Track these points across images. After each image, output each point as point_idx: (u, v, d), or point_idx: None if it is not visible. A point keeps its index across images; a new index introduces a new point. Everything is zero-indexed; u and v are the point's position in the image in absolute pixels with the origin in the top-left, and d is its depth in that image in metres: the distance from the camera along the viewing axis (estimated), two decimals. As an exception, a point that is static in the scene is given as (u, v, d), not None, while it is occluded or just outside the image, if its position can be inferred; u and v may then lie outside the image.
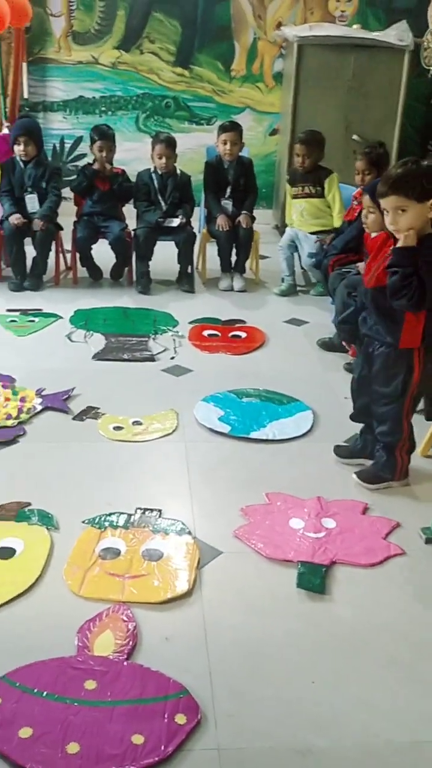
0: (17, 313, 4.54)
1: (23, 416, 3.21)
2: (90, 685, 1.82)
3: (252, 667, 1.92)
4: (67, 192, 5.26)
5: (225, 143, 5.05)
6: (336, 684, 1.88)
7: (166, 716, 1.74)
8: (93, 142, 5.03)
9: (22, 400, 3.35)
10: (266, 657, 1.95)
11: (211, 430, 3.17)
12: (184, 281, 5.09)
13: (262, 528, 2.49)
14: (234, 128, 5.08)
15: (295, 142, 5.09)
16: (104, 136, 5.00)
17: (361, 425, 2.93)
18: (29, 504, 2.58)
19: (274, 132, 6.77)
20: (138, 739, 1.68)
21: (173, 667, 1.89)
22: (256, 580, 2.26)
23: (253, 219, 5.13)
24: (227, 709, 1.79)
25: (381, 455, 2.78)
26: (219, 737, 1.71)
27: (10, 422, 3.15)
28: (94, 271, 5.22)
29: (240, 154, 5.16)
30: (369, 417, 2.83)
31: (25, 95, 6.69)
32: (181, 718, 1.74)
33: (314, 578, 2.24)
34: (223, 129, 5.09)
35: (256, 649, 1.98)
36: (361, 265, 3.81)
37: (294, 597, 2.19)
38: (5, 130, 6.13)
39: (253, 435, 3.13)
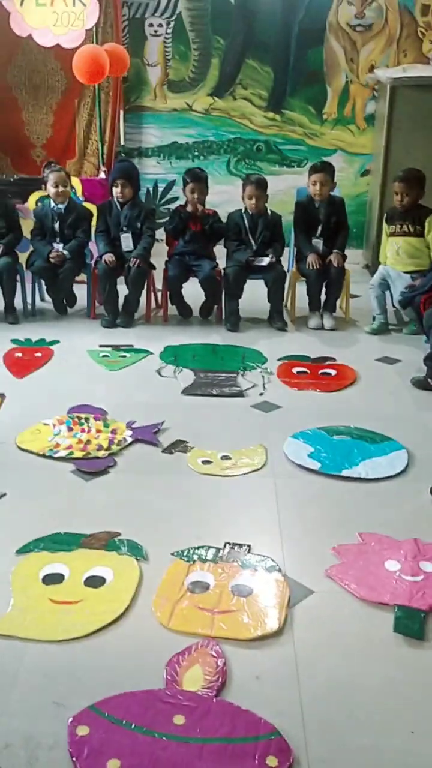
0: (109, 349, 4.64)
1: (114, 448, 3.25)
2: (179, 720, 1.78)
3: (347, 713, 1.83)
4: (158, 233, 5.39)
5: (315, 183, 5.07)
6: (437, 737, 1.76)
7: (257, 758, 1.67)
8: (186, 184, 5.15)
9: (113, 432, 3.39)
10: (362, 703, 1.86)
11: (301, 466, 3.11)
12: (276, 319, 5.09)
13: (355, 568, 2.40)
14: (325, 169, 5.10)
15: (393, 180, 5.04)
16: (197, 179, 5.12)
17: None
18: (119, 534, 2.59)
19: (365, 173, 6.76)
20: (228, 779, 1.62)
21: (264, 708, 1.82)
22: (350, 622, 2.17)
23: (344, 258, 5.10)
24: (321, 754, 1.70)
25: None
26: (312, 784, 1.63)
27: (101, 453, 3.19)
28: (184, 309, 5.30)
29: (331, 193, 5.17)
30: None
31: (122, 142, 6.95)
32: (272, 761, 1.67)
33: (412, 623, 2.13)
34: (314, 169, 5.12)
35: (352, 694, 1.89)
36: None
37: (391, 642, 2.09)
38: (102, 175, 6.38)
39: (345, 473, 3.05)
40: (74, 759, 1.66)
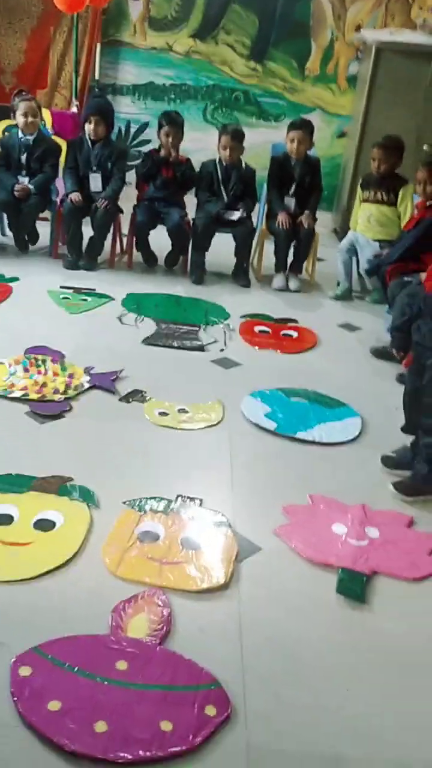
0: (71, 291, 4.55)
1: (70, 392, 3.21)
2: (121, 665, 1.80)
3: (287, 669, 1.88)
4: (129, 176, 5.26)
5: (293, 141, 5.00)
6: (372, 695, 1.83)
7: (196, 706, 1.71)
8: (161, 127, 5.01)
9: (71, 376, 3.35)
10: (302, 660, 1.91)
11: (257, 425, 3.13)
12: (241, 275, 5.05)
13: (303, 529, 2.44)
14: (304, 126, 5.02)
15: (372, 146, 5.00)
16: (173, 123, 4.98)
17: (412, 437, 2.86)
18: (71, 479, 2.57)
19: (342, 135, 6.69)
20: (166, 725, 1.65)
21: (206, 658, 1.86)
22: (295, 580, 2.22)
23: (315, 220, 5.06)
24: (259, 707, 1.75)
25: (422, 467, 2.71)
26: (249, 734, 1.67)
27: (57, 396, 3.15)
28: (150, 257, 5.21)
29: (308, 153, 5.10)
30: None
31: (97, 76, 6.71)
32: (211, 710, 1.71)
33: (355, 586, 2.19)
34: (293, 126, 5.03)
35: (292, 651, 1.94)
36: (423, 274, 3.73)
37: (333, 602, 2.14)
38: (74, 109, 6.16)
39: (300, 435, 3.08)
40: (15, 699, 1.67)
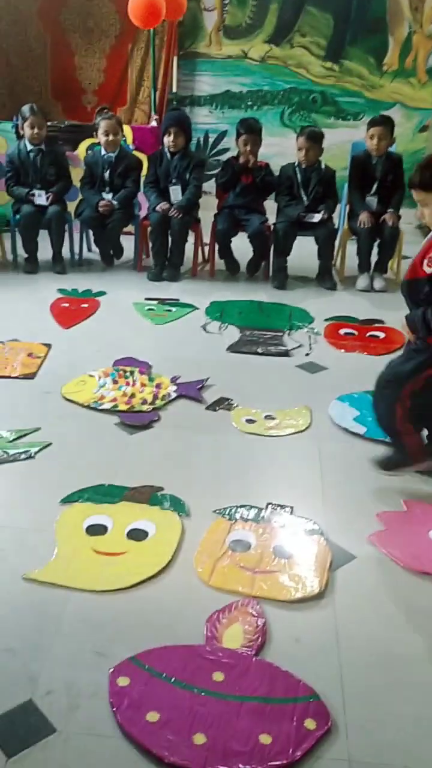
0: (155, 302, 4.61)
1: (158, 402, 3.24)
2: (218, 677, 1.79)
3: (387, 681, 1.82)
4: (208, 186, 5.30)
5: (373, 138, 4.91)
6: None
7: (295, 719, 1.68)
8: (239, 135, 5.03)
9: (158, 386, 3.38)
10: (403, 672, 1.85)
11: (346, 430, 3.07)
12: (326, 278, 5.00)
13: (399, 536, 2.37)
14: (384, 122, 4.93)
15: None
16: (251, 130, 4.99)
17: None
18: (162, 489, 2.59)
19: (424, 128, 6.53)
20: (266, 738, 1.63)
21: (303, 670, 1.82)
22: (392, 589, 2.15)
23: (399, 217, 4.95)
24: (360, 719, 1.70)
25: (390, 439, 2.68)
26: (350, 748, 1.63)
27: (145, 407, 3.19)
28: (232, 264, 5.23)
29: (389, 150, 4.99)
30: None
31: (174, 89, 6.80)
32: (310, 723, 1.67)
33: (455, 594, 2.10)
34: (373, 123, 4.95)
35: (392, 662, 1.88)
36: None
37: (433, 612, 2.07)
38: (153, 123, 6.27)
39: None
40: (114, 709, 1.69)
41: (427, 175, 2.36)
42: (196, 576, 2.17)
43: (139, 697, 1.72)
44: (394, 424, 2.61)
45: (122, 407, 3.18)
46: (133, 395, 3.28)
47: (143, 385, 3.39)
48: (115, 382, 3.40)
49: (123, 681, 1.76)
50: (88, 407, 3.19)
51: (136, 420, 3.09)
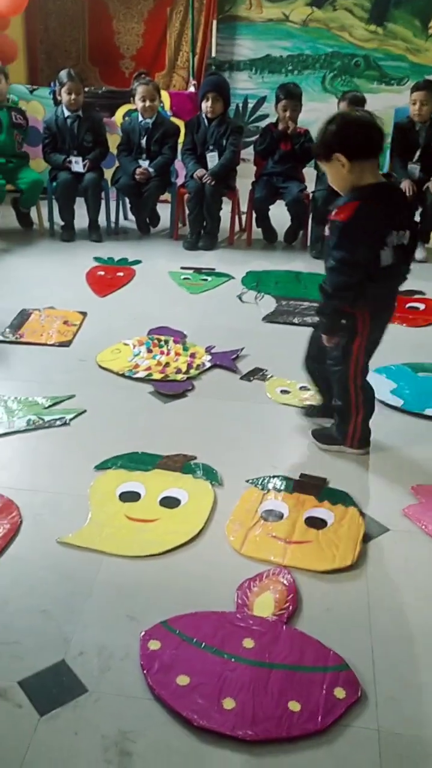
0: (191, 271, 4.58)
1: (193, 372, 3.24)
2: (248, 643, 1.80)
3: (418, 653, 1.81)
4: (246, 153, 5.22)
5: (415, 103, 4.78)
6: None
7: (324, 687, 1.68)
8: (278, 101, 4.94)
9: (192, 356, 3.37)
10: (434, 644, 1.84)
11: (383, 402, 3.03)
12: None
13: (434, 509, 2.34)
14: (428, 87, 4.80)
15: None
16: (291, 96, 4.89)
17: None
18: (195, 458, 2.60)
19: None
20: (294, 706, 1.64)
21: (333, 640, 1.82)
22: (426, 563, 2.13)
23: (441, 186, 4.83)
24: (389, 691, 1.69)
25: (336, 417, 2.68)
26: (379, 718, 1.63)
27: (179, 376, 3.19)
28: (270, 233, 5.16)
29: (433, 115, 4.86)
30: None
31: (213, 54, 6.69)
32: (340, 692, 1.67)
33: None
34: (416, 88, 4.83)
35: (423, 635, 1.86)
36: None
37: (467, 586, 2.04)
38: (191, 88, 6.18)
39: (428, 412, 2.95)
40: (145, 672, 1.71)
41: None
42: (228, 544, 2.17)
43: (169, 661, 1.74)
44: (348, 405, 2.63)
45: (156, 376, 3.18)
46: (167, 364, 3.27)
47: (177, 354, 3.38)
48: (149, 350, 3.40)
49: (154, 645, 1.78)
50: (123, 375, 3.20)
51: (170, 389, 3.09)
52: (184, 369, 3.25)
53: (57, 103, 5.23)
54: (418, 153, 4.86)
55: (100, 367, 3.28)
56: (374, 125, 2.27)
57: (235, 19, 6.63)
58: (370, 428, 2.68)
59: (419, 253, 4.82)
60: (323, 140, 2.29)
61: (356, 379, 2.58)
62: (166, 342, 3.49)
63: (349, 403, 2.61)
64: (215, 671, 1.72)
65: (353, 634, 1.85)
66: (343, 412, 2.65)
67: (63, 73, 5.01)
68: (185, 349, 3.44)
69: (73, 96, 4.96)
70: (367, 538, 2.21)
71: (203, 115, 4.97)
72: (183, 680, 1.69)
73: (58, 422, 2.79)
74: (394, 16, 6.34)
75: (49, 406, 2.91)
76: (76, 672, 1.71)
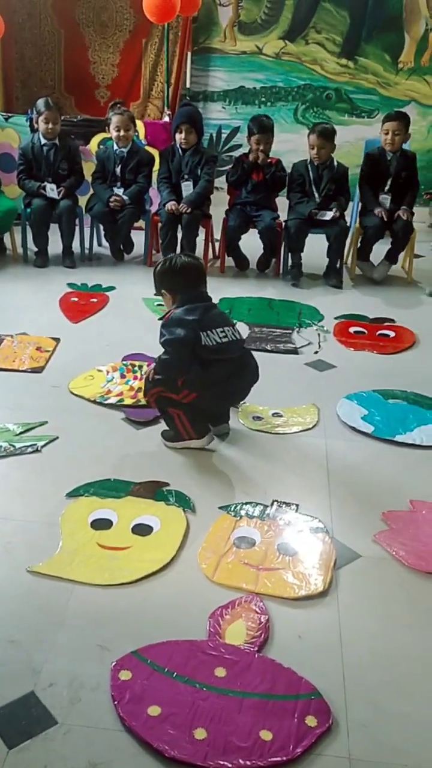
0: (165, 297, 4.60)
1: (166, 397, 3.23)
2: (220, 672, 1.79)
3: (389, 680, 1.81)
4: (219, 182, 5.29)
5: (388, 133, 4.88)
6: None
7: (296, 716, 1.68)
8: (251, 134, 5.01)
9: (166, 381, 3.37)
10: (405, 672, 1.84)
11: (354, 428, 3.06)
12: (332, 275, 4.98)
13: (404, 536, 2.36)
14: (400, 118, 4.91)
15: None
16: (263, 129, 4.97)
17: None
18: (167, 484, 2.59)
19: (438, 127, 6.49)
20: (266, 735, 1.63)
21: (305, 667, 1.82)
22: (397, 589, 2.14)
23: (412, 215, 4.93)
24: (361, 718, 1.70)
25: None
26: (351, 746, 1.63)
27: (152, 402, 3.17)
28: (241, 261, 5.22)
29: (403, 146, 4.97)
30: None
31: (188, 84, 6.79)
32: (311, 721, 1.67)
33: (460, 595, 2.09)
34: (388, 118, 4.93)
35: (395, 662, 1.87)
36: None
37: (437, 612, 2.06)
38: (166, 118, 6.26)
39: (399, 438, 2.99)
40: (116, 702, 1.69)
41: None
42: (200, 572, 2.17)
43: (140, 691, 1.72)
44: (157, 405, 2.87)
45: (128, 401, 3.18)
46: (140, 389, 3.27)
47: None
48: (123, 376, 3.40)
49: (125, 675, 1.77)
50: (95, 402, 3.19)
51: (141, 416, 3.09)
52: (157, 395, 3.24)
53: (34, 130, 5.26)
54: (389, 182, 4.96)
55: (73, 393, 3.27)
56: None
57: (210, 51, 6.75)
58: (203, 418, 2.86)
59: (378, 273, 4.93)
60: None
61: (160, 387, 2.80)
62: (140, 367, 3.49)
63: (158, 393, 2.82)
64: (187, 701, 1.71)
65: (325, 661, 1.86)
66: (158, 403, 2.85)
67: (41, 102, 5.05)
68: (157, 372, 3.43)
69: (50, 125, 5.00)
70: (338, 565, 2.22)
71: (177, 145, 5.03)
72: (154, 711, 1.68)
73: (29, 449, 2.78)
74: (365, 51, 6.50)
75: (21, 433, 2.89)
76: (45, 703, 1.69)
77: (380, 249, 5.05)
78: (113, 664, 1.80)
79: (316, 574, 2.17)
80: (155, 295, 2.91)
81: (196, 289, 2.90)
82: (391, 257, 4.97)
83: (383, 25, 6.39)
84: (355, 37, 6.48)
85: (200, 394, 2.76)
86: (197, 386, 2.75)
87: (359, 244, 5.03)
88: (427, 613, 2.06)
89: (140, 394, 3.22)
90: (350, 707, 1.72)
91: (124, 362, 3.57)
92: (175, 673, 1.78)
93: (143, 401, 3.17)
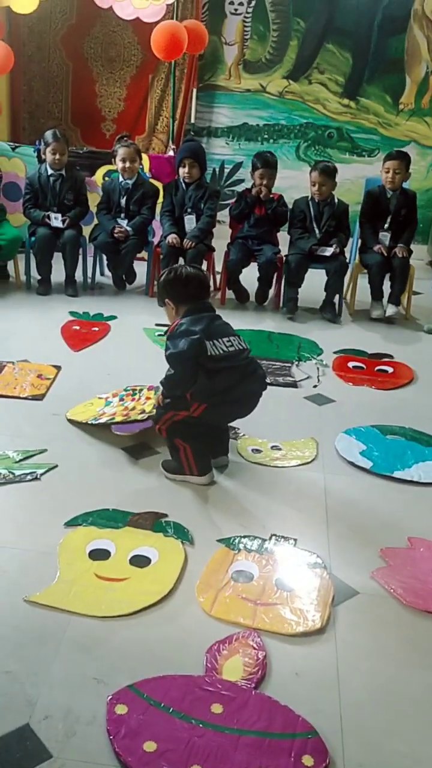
0: (166, 328, 4.63)
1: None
2: (217, 708, 1.78)
3: (387, 719, 1.80)
4: (222, 215, 5.36)
5: (389, 171, 4.97)
6: None
7: (293, 755, 1.66)
8: (255, 168, 5.10)
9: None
10: (403, 710, 1.83)
11: (352, 464, 3.07)
12: (328, 309, 5.03)
13: (402, 573, 2.36)
14: (401, 157, 5.00)
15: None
16: (267, 165, 5.06)
17: None
18: (166, 515, 2.59)
19: (437, 167, 6.61)
20: (262, 774, 1.62)
21: (302, 705, 1.81)
22: (395, 627, 2.14)
23: (410, 252, 4.99)
24: (357, 758, 1.68)
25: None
26: (347, 788, 1.61)
27: (141, 416, 3.11)
28: (241, 294, 5.27)
29: (403, 185, 5.06)
30: None
31: (192, 120, 6.91)
32: (308, 760, 1.65)
33: (458, 635, 2.09)
34: (389, 157, 5.02)
35: (393, 700, 1.86)
36: None
37: (435, 651, 2.05)
38: (171, 153, 6.36)
39: (397, 474, 3.00)
40: (111, 737, 1.68)
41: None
42: (198, 605, 2.16)
43: (136, 726, 1.71)
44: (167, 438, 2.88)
45: (119, 419, 3.15)
46: (134, 408, 3.26)
47: (148, 398, 3.34)
48: (121, 400, 3.40)
49: (121, 709, 1.75)
50: (86, 424, 3.18)
51: (127, 429, 3.07)
52: (148, 409, 3.19)
53: (41, 161, 5.34)
54: (388, 220, 5.03)
55: (69, 421, 3.27)
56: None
57: (215, 88, 6.88)
58: (207, 457, 2.88)
59: (391, 309, 4.95)
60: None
61: (168, 424, 2.84)
62: (140, 390, 3.48)
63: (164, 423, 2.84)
64: (183, 737, 1.69)
65: (322, 699, 1.85)
66: (170, 446, 2.88)
67: (49, 134, 5.13)
68: (157, 390, 3.42)
69: (57, 156, 5.08)
70: (336, 601, 2.22)
71: (181, 180, 5.11)
72: (150, 746, 1.66)
73: (28, 477, 2.78)
74: (367, 91, 6.64)
75: (20, 460, 2.90)
76: (40, 736, 1.67)
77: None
78: (109, 697, 1.78)
79: (314, 611, 2.16)
80: (159, 305, 2.90)
81: (201, 300, 2.91)
82: (394, 300, 5.01)
83: (385, 67, 6.53)
84: (357, 78, 6.62)
85: (209, 404, 2.74)
86: (206, 396, 2.73)
87: (370, 288, 5.07)
88: (424, 652, 2.05)
89: (133, 412, 3.20)
90: (347, 746, 1.71)
91: (126, 388, 3.57)
92: (171, 709, 1.76)
93: (133, 416, 3.14)
